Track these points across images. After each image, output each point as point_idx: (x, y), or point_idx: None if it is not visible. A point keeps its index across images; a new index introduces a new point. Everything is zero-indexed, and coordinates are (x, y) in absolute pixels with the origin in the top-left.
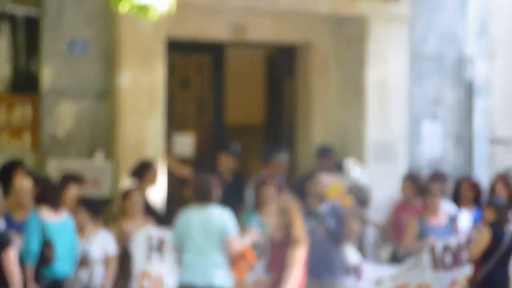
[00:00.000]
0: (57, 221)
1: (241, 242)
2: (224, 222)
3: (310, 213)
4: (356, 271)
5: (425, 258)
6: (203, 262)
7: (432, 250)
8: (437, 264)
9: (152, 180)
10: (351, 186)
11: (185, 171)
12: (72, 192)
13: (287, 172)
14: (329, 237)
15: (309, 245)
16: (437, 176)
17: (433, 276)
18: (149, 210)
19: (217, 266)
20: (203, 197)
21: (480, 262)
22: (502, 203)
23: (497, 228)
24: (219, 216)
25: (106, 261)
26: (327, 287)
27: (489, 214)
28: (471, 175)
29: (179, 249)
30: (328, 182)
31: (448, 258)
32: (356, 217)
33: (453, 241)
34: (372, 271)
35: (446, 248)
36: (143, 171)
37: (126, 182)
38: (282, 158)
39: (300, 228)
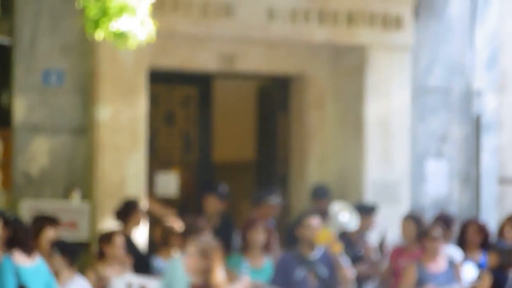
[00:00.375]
0: (31, 266)
1: None
2: None
3: (301, 260)
4: None
5: None
6: None
7: None
8: None
9: (138, 222)
10: (340, 232)
11: (168, 214)
12: (48, 235)
13: (279, 214)
14: (321, 286)
15: None
16: (443, 218)
17: None
18: (134, 254)
19: None
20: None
21: None
22: (505, 247)
23: (499, 274)
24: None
25: None
26: None
27: (492, 259)
28: (478, 218)
29: None
30: (318, 227)
31: None
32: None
33: None
34: None
35: None
36: (128, 212)
37: (107, 223)
38: (273, 201)
39: (220, 274)
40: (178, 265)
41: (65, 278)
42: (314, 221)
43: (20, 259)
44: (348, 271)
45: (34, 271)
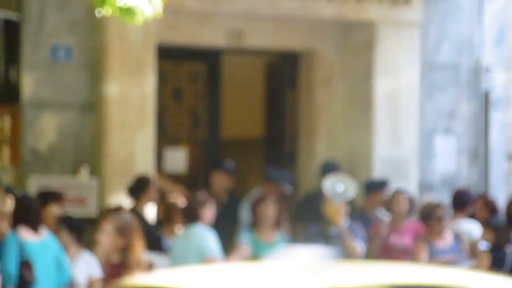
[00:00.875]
0: (37, 241)
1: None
2: (204, 242)
3: (325, 235)
4: None
5: None
6: None
7: None
8: None
9: (150, 198)
10: (345, 202)
11: (177, 190)
12: (52, 210)
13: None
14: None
15: None
16: (460, 195)
17: None
18: (146, 230)
19: None
20: (188, 218)
21: None
22: (500, 224)
23: (497, 252)
24: (200, 236)
25: (90, 285)
26: None
27: (487, 236)
28: (487, 193)
29: None
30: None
31: None
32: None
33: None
34: None
35: None
36: (141, 188)
37: (116, 200)
38: (285, 189)
39: (139, 252)
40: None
41: (72, 254)
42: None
43: (25, 234)
44: (354, 244)
45: (40, 246)
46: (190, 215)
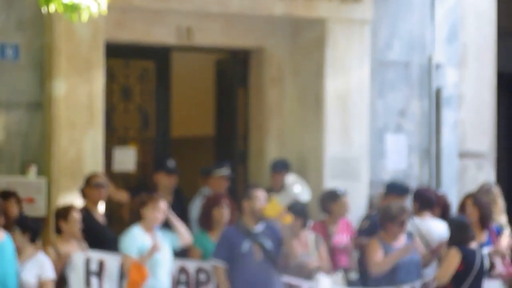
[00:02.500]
0: None
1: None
2: (122, 241)
3: (246, 233)
4: None
5: None
6: None
7: None
8: None
9: (99, 197)
10: (292, 203)
11: (121, 196)
12: (13, 210)
13: (235, 189)
14: (266, 259)
15: (246, 268)
16: (421, 194)
17: None
18: (95, 229)
19: None
20: (132, 218)
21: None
22: (464, 220)
23: (467, 249)
24: (123, 235)
25: (41, 286)
26: None
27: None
28: (437, 190)
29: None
30: (265, 199)
31: None
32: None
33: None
34: None
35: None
36: (84, 185)
37: (64, 199)
38: (222, 172)
39: None
40: (134, 235)
41: (28, 255)
42: (260, 193)
43: None
44: (295, 244)
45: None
46: (133, 216)
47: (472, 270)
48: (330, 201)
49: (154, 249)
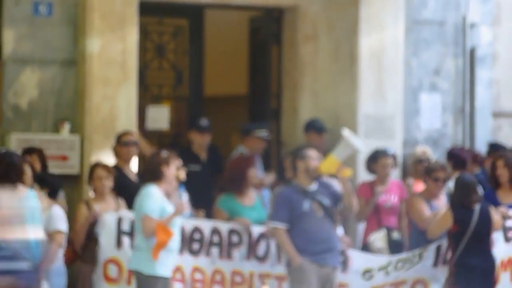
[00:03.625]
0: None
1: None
2: (140, 201)
3: (303, 192)
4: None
5: (430, 255)
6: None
7: (439, 248)
8: (439, 261)
9: (130, 154)
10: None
11: (148, 150)
12: (36, 166)
13: (268, 148)
14: (326, 216)
15: (308, 226)
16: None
17: (431, 272)
18: (131, 188)
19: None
20: (149, 176)
21: (452, 247)
22: (465, 182)
23: (462, 210)
24: (141, 195)
25: (50, 237)
26: (331, 278)
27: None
28: (473, 149)
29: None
30: (319, 158)
31: (449, 254)
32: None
33: None
34: (359, 259)
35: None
36: (115, 143)
37: (98, 156)
38: (261, 133)
39: None
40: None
41: (43, 209)
42: (314, 152)
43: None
44: (355, 200)
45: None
46: (151, 174)
47: (466, 232)
48: (372, 161)
49: (180, 209)
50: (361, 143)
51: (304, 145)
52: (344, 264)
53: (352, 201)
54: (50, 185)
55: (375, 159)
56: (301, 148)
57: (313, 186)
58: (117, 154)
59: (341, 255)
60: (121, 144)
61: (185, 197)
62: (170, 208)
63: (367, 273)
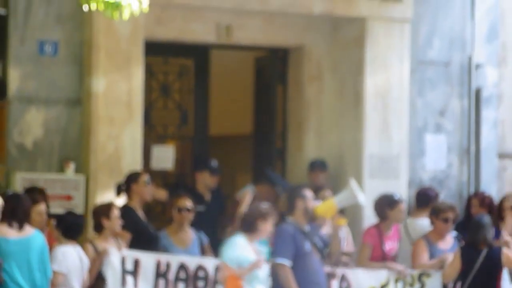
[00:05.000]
0: (18, 237)
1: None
2: (224, 248)
3: (301, 231)
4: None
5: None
6: None
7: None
8: None
9: (141, 194)
10: (346, 207)
11: (161, 194)
12: (41, 207)
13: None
14: (320, 258)
15: (309, 266)
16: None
17: None
18: (137, 226)
19: None
20: (245, 228)
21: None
22: (476, 223)
23: (470, 250)
24: (227, 242)
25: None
26: None
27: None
28: (481, 191)
29: None
30: (316, 201)
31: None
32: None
33: None
34: (360, 279)
35: None
36: (130, 184)
37: (102, 196)
38: (278, 190)
39: None
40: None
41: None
42: (310, 193)
43: (5, 231)
44: (343, 245)
45: (20, 243)
46: (247, 226)
47: (472, 270)
48: (387, 206)
49: (257, 264)
50: (363, 198)
51: (301, 185)
52: None
53: (339, 248)
54: (67, 226)
55: (393, 206)
56: (299, 187)
57: (307, 227)
58: (131, 193)
59: (343, 282)
60: (139, 183)
61: (263, 250)
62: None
63: None
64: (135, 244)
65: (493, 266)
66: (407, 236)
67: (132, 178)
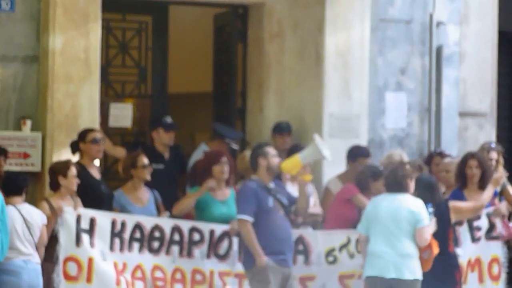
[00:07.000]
0: None
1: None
2: (419, 211)
3: (265, 189)
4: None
5: None
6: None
7: None
8: None
9: (94, 152)
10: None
11: (119, 152)
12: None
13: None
14: (285, 214)
15: (272, 222)
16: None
17: None
18: (90, 184)
19: (409, 257)
20: (395, 187)
21: None
22: (424, 181)
23: None
24: (413, 204)
25: None
26: (290, 278)
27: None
28: (443, 149)
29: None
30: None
31: None
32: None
33: None
34: (319, 240)
35: None
36: (80, 141)
37: (60, 154)
38: (233, 146)
39: None
40: None
41: None
42: (273, 150)
43: None
44: (311, 201)
45: None
46: (398, 185)
47: None
48: (370, 178)
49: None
50: (328, 153)
51: (263, 143)
52: (306, 253)
53: (306, 205)
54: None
55: (376, 178)
56: (262, 145)
57: (272, 184)
58: (81, 151)
59: (300, 244)
60: (87, 141)
61: None
62: None
63: (330, 256)
64: (84, 201)
65: (442, 224)
66: None
67: (80, 137)
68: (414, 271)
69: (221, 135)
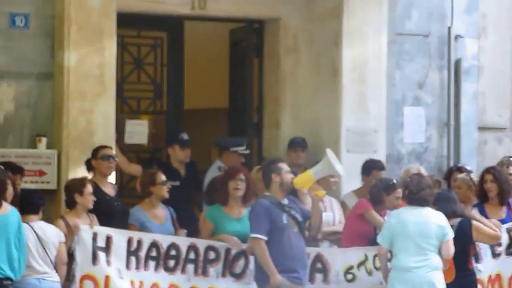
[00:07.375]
0: None
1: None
2: (445, 225)
3: (279, 205)
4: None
5: None
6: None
7: None
8: None
9: (108, 169)
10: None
11: (134, 169)
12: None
13: (248, 162)
14: (299, 231)
15: (286, 240)
16: None
17: None
18: (104, 202)
19: (438, 270)
20: (419, 201)
21: None
22: (443, 196)
23: None
24: (439, 219)
25: None
26: None
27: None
28: (462, 164)
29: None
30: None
31: None
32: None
33: None
34: (337, 257)
35: None
36: (92, 158)
37: (75, 171)
38: (238, 150)
39: None
40: None
41: None
42: (286, 166)
43: None
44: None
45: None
46: (419, 197)
47: None
48: (384, 191)
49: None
50: (341, 168)
51: (276, 159)
52: (325, 271)
53: (320, 221)
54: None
55: (390, 191)
56: (274, 161)
57: (285, 200)
58: (93, 168)
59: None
60: (97, 158)
61: None
62: None
63: (349, 273)
64: (100, 218)
65: (463, 240)
66: None
67: (92, 154)
68: (443, 284)
69: (224, 147)
